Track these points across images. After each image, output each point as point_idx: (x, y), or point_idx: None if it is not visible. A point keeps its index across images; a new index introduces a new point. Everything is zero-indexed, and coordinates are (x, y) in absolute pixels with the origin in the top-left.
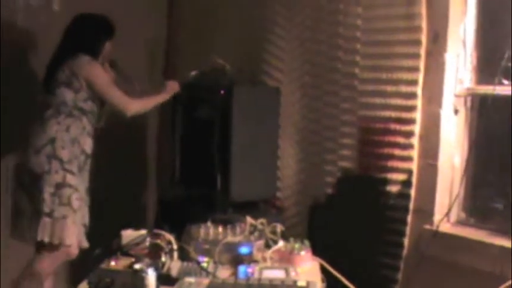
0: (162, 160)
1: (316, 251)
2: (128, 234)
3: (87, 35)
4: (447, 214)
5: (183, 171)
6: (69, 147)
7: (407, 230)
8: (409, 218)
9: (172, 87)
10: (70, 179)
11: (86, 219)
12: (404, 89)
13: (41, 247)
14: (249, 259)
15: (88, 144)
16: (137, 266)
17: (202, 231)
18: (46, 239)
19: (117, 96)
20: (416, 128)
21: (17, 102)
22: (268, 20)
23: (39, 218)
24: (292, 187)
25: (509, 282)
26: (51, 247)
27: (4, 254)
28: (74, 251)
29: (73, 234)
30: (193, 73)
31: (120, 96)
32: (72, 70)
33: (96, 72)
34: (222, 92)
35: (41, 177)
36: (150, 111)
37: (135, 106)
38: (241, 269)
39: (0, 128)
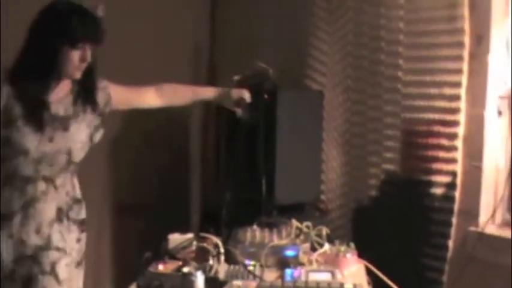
0: (207, 164)
1: (361, 254)
2: (175, 238)
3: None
4: (492, 216)
5: (227, 175)
6: None
7: (452, 232)
8: (454, 220)
9: None
10: None
11: None
12: (448, 91)
13: None
14: (295, 262)
15: None
16: (186, 270)
17: (248, 234)
18: None
19: None
20: (460, 130)
21: None
22: (311, 24)
23: None
24: (336, 190)
25: None
26: None
27: None
28: None
29: None
30: (236, 77)
31: None
32: None
33: None
34: (265, 96)
35: None
36: (195, 114)
37: None
38: (288, 271)
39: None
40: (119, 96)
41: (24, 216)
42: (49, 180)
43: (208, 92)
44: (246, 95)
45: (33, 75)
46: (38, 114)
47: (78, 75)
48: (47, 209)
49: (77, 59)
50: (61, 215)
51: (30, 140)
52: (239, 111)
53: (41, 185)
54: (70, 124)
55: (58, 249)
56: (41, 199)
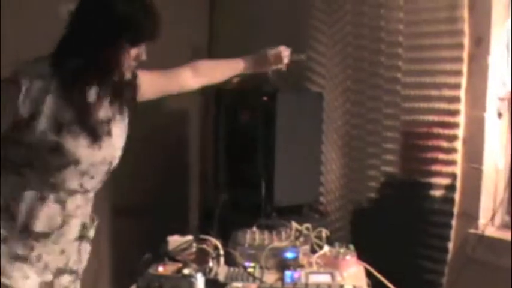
0: (206, 166)
1: (360, 256)
2: (175, 240)
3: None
4: (492, 218)
5: (226, 177)
6: None
7: (452, 234)
8: (454, 222)
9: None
10: None
11: None
12: (447, 93)
13: None
14: (295, 264)
15: None
16: (186, 271)
17: (248, 236)
18: None
19: None
20: (460, 132)
21: None
22: (310, 26)
23: None
24: (335, 192)
25: None
26: None
27: None
28: None
29: None
30: (235, 80)
31: None
32: None
33: None
34: (265, 98)
35: None
36: (194, 115)
37: None
38: (288, 273)
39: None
40: (150, 83)
41: (58, 235)
42: (85, 192)
43: (241, 65)
44: (286, 52)
45: (87, 72)
46: (90, 119)
47: (129, 74)
48: (76, 225)
49: (133, 57)
50: (84, 233)
51: (83, 148)
52: (273, 74)
53: (78, 199)
54: (112, 128)
55: (72, 272)
56: (76, 214)
